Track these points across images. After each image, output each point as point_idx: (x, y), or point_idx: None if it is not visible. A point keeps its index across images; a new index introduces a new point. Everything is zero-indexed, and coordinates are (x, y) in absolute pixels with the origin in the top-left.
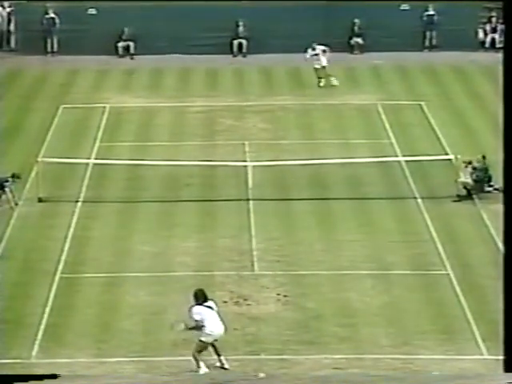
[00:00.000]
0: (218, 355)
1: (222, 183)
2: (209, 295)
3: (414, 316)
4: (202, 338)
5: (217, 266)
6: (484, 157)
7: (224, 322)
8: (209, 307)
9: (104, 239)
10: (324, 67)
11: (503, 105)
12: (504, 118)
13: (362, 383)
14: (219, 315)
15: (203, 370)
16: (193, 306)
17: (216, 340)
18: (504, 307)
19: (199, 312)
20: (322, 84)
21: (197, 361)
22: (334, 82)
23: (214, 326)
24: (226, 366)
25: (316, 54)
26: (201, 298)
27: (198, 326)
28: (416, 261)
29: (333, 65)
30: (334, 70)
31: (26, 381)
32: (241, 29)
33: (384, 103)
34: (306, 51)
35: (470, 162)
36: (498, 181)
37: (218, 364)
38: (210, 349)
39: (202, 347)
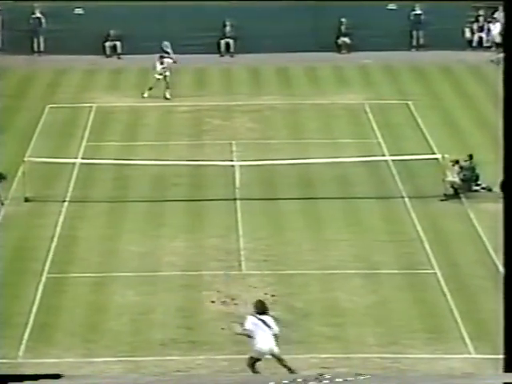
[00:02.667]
0: (286, 367)
1: (210, 183)
2: (195, 295)
3: (402, 315)
4: (252, 354)
5: (204, 265)
6: (471, 156)
7: (276, 343)
8: (263, 321)
9: (91, 239)
10: (165, 77)
11: (503, 106)
12: (504, 118)
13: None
14: (274, 333)
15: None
16: (251, 314)
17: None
18: (504, 307)
19: (253, 323)
20: (145, 95)
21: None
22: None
23: (263, 343)
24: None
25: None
26: (259, 309)
27: (247, 335)
28: (404, 260)
29: (321, 64)
30: (322, 69)
31: (22, 381)
32: (228, 28)
33: (371, 103)
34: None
35: (457, 161)
36: (486, 180)
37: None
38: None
39: (252, 361)
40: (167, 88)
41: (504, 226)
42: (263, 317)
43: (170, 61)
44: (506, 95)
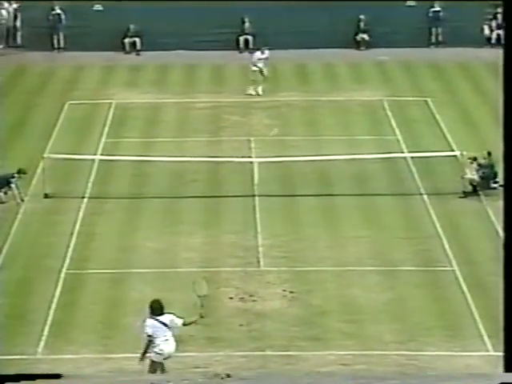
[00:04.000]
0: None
1: (228, 179)
2: (213, 291)
3: (420, 312)
4: (152, 358)
5: (222, 262)
6: (489, 153)
7: (176, 341)
8: (162, 323)
9: (109, 235)
10: (261, 72)
11: (503, 102)
12: (504, 114)
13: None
14: (173, 332)
15: None
16: (148, 317)
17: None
18: (504, 306)
19: (152, 326)
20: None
21: None
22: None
23: (163, 346)
24: None
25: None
26: (157, 310)
27: (150, 342)
28: (421, 257)
29: (339, 61)
30: (340, 66)
31: (28, 380)
32: (247, 25)
33: (390, 99)
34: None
35: (475, 159)
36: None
37: None
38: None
39: (154, 367)
40: (260, 84)
41: (504, 225)
42: (162, 317)
43: (264, 56)
44: (507, 93)
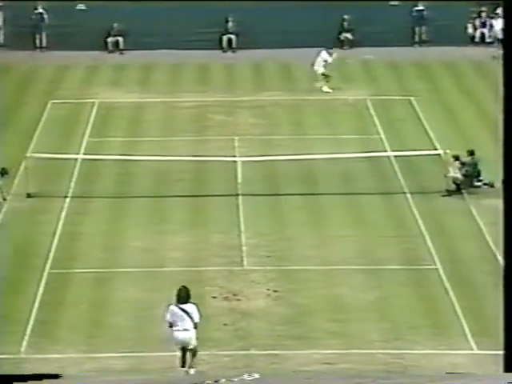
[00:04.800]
0: (190, 366)
1: (212, 178)
2: (198, 290)
3: (405, 311)
4: (174, 343)
5: (207, 261)
6: (472, 152)
7: (195, 331)
8: (184, 311)
9: (94, 235)
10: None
11: (503, 103)
12: (504, 117)
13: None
14: (193, 322)
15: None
16: (173, 304)
17: (187, 347)
18: (504, 306)
19: (172, 313)
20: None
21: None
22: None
23: (180, 333)
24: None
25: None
26: (182, 298)
27: (169, 327)
28: (406, 256)
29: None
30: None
31: (26, 381)
32: (230, 24)
33: (374, 98)
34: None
35: (457, 158)
36: (488, 175)
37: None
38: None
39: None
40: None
41: (504, 225)
42: (185, 306)
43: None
44: (506, 95)
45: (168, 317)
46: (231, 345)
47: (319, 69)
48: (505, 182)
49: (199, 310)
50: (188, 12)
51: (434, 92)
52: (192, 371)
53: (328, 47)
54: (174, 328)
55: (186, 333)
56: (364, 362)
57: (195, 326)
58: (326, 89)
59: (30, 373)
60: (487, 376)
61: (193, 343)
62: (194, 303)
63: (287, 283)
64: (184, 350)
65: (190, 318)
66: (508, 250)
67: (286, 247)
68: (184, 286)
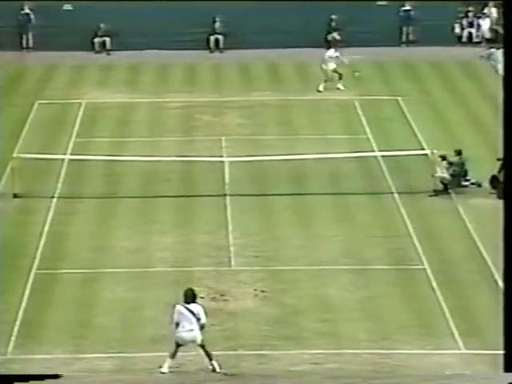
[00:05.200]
0: (209, 359)
1: (200, 179)
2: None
3: (393, 311)
4: (175, 339)
5: (194, 261)
6: (459, 152)
7: (201, 332)
8: (190, 310)
9: (81, 235)
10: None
11: (503, 101)
12: (504, 114)
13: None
14: (199, 322)
15: (164, 369)
16: (180, 304)
17: (194, 343)
18: (504, 306)
19: (179, 312)
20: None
21: (170, 356)
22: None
23: (185, 331)
24: (217, 369)
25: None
26: (188, 298)
27: (175, 326)
28: (394, 256)
29: (311, 60)
30: (313, 65)
31: (26, 381)
32: (218, 24)
33: (361, 98)
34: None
35: (445, 157)
36: (475, 175)
37: (210, 367)
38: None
39: (176, 347)
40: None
41: (504, 226)
42: (191, 306)
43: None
44: (506, 94)
45: (176, 317)
46: (219, 345)
47: (329, 66)
48: (505, 182)
49: (206, 312)
50: (175, 12)
51: (421, 92)
52: (215, 363)
53: (318, 47)
54: (180, 328)
55: (191, 333)
56: (352, 362)
57: (202, 326)
58: (340, 86)
59: (17, 373)
60: (487, 376)
61: (199, 340)
62: (200, 304)
63: (275, 283)
64: (180, 346)
65: (196, 318)
66: (508, 249)
67: (274, 247)
68: (189, 288)
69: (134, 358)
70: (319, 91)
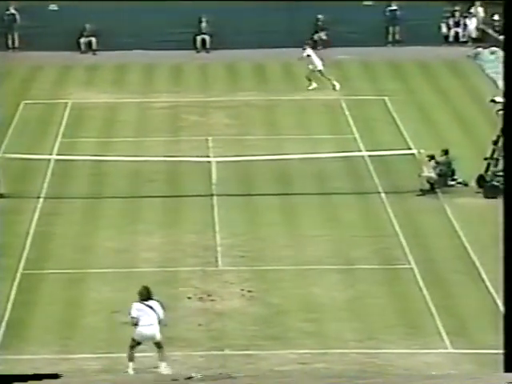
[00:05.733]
0: (160, 360)
1: (186, 179)
2: (172, 291)
3: (379, 310)
4: (134, 336)
5: (181, 261)
6: (446, 151)
7: (160, 327)
8: (149, 306)
9: (67, 235)
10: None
11: (504, 101)
12: (504, 114)
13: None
14: (159, 318)
15: (130, 370)
16: (136, 301)
17: (153, 341)
18: (504, 306)
19: (138, 309)
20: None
21: (129, 358)
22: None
23: (146, 327)
24: (164, 372)
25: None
26: (144, 295)
27: (133, 323)
28: (380, 255)
29: (297, 60)
30: (299, 65)
31: (26, 381)
32: (204, 25)
33: (348, 98)
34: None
35: (432, 157)
36: (462, 174)
37: (158, 369)
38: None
39: (133, 344)
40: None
41: (504, 225)
42: (149, 302)
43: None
44: (506, 94)
45: (133, 313)
46: (205, 345)
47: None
48: (505, 182)
49: (163, 306)
50: (161, 12)
51: (407, 92)
52: (164, 364)
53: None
54: (140, 324)
55: (150, 327)
56: (339, 362)
57: (160, 322)
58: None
59: (3, 373)
60: (487, 376)
61: (158, 337)
62: (157, 300)
63: (262, 283)
64: (139, 345)
65: (155, 312)
66: (508, 248)
67: (261, 247)
68: (144, 286)
69: (120, 359)
70: (310, 89)
